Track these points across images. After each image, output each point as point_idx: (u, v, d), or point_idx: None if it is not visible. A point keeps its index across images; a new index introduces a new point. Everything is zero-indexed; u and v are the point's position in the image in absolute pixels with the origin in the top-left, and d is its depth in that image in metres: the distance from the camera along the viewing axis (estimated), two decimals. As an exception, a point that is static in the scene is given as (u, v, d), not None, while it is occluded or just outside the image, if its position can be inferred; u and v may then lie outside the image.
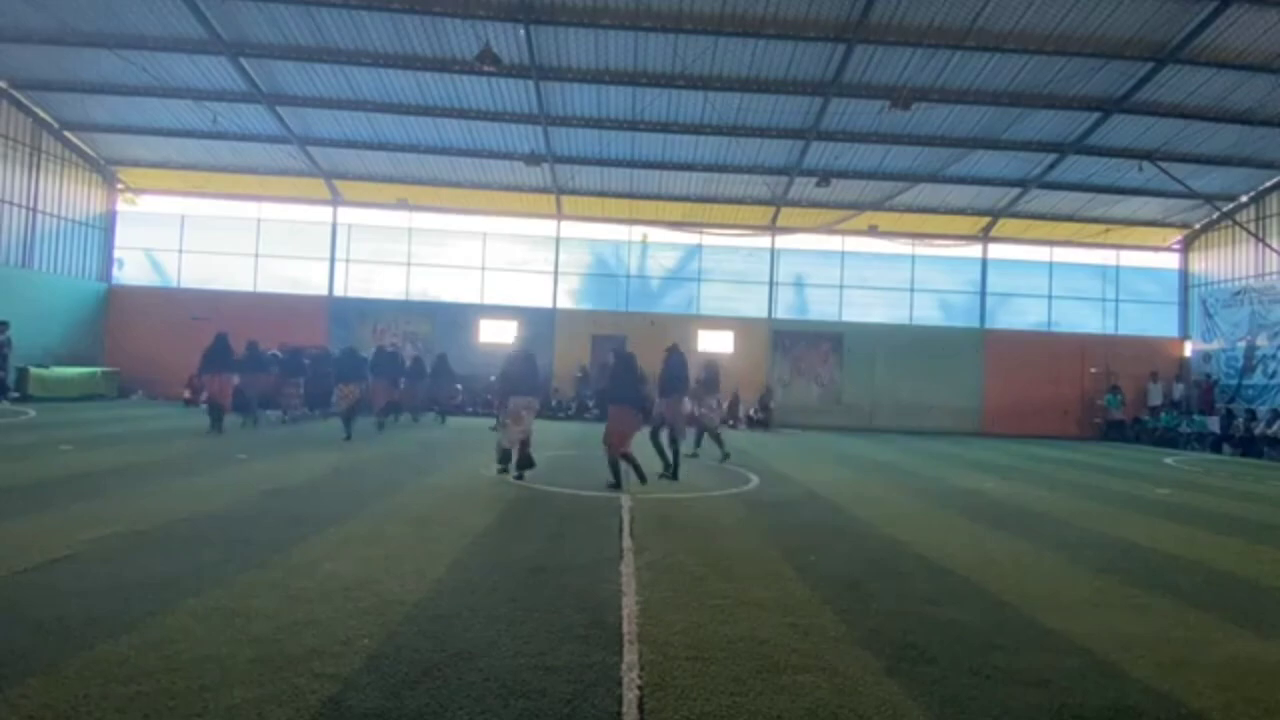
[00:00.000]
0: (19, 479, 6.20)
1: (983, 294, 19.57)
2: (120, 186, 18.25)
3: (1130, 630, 3.64)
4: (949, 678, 2.95)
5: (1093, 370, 19.01)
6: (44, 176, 16.27)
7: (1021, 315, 19.72)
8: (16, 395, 14.11)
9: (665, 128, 15.60)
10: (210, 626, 3.10)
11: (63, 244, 16.91)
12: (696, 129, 15.54)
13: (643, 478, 7.32)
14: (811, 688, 2.80)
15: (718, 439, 9.81)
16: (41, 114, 15.92)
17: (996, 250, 19.61)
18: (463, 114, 15.39)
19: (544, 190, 18.09)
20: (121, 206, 18.43)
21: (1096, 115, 14.56)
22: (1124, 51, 12.79)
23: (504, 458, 7.67)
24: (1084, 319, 19.66)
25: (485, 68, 12.69)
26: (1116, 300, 19.70)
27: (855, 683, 2.87)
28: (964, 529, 6.17)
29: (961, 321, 19.59)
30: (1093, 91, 13.94)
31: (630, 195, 18.28)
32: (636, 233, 19.15)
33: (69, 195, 17.03)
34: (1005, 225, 18.97)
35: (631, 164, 17.02)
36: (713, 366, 10.21)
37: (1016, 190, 17.53)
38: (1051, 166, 16.42)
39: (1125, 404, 18.49)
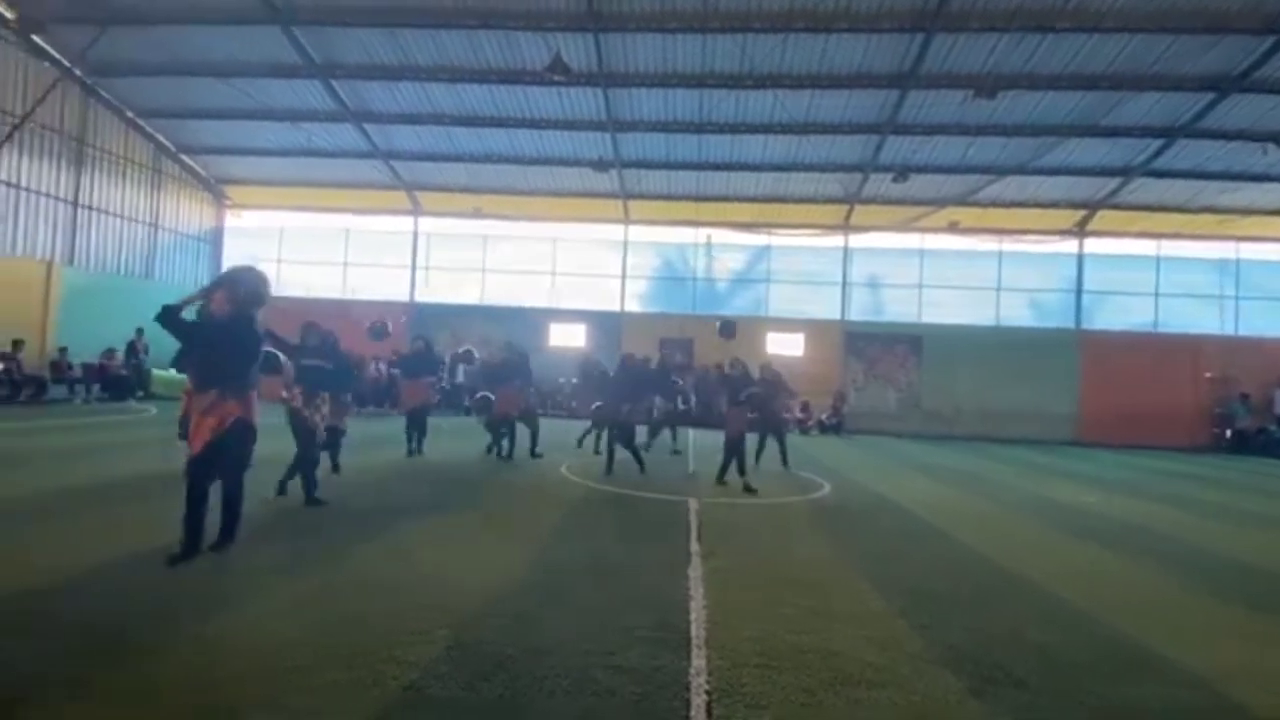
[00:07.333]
0: (138, 471, 6.83)
1: (1078, 292, 18.23)
2: (227, 202, 19.88)
3: (1253, 662, 3.28)
4: (1041, 704, 2.76)
5: (1208, 375, 17.33)
6: (163, 196, 17.97)
7: (1124, 315, 18.24)
8: (141, 394, 15.58)
9: (733, 129, 15.43)
10: (303, 611, 3.31)
11: (178, 257, 18.60)
12: (765, 128, 15.29)
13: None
14: (887, 704, 2.69)
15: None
16: (161, 139, 17.55)
17: (1094, 245, 18.24)
18: (534, 123, 15.80)
19: (612, 195, 18.30)
20: (229, 221, 20.07)
21: (1211, 95, 13.28)
22: (1241, 24, 11.61)
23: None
24: (1197, 318, 17.95)
25: (556, 77, 13.00)
26: (1236, 297, 17.88)
27: (935, 703, 2.72)
28: (1058, 545, 5.75)
29: (1055, 322, 18.33)
30: (1206, 70, 12.72)
31: (697, 198, 18.20)
32: (704, 235, 19.06)
33: (184, 212, 18.72)
34: (1104, 218, 17.61)
35: (699, 166, 16.94)
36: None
37: (1117, 180, 16.24)
38: (1158, 153, 15.11)
39: (1252, 412, 16.78)
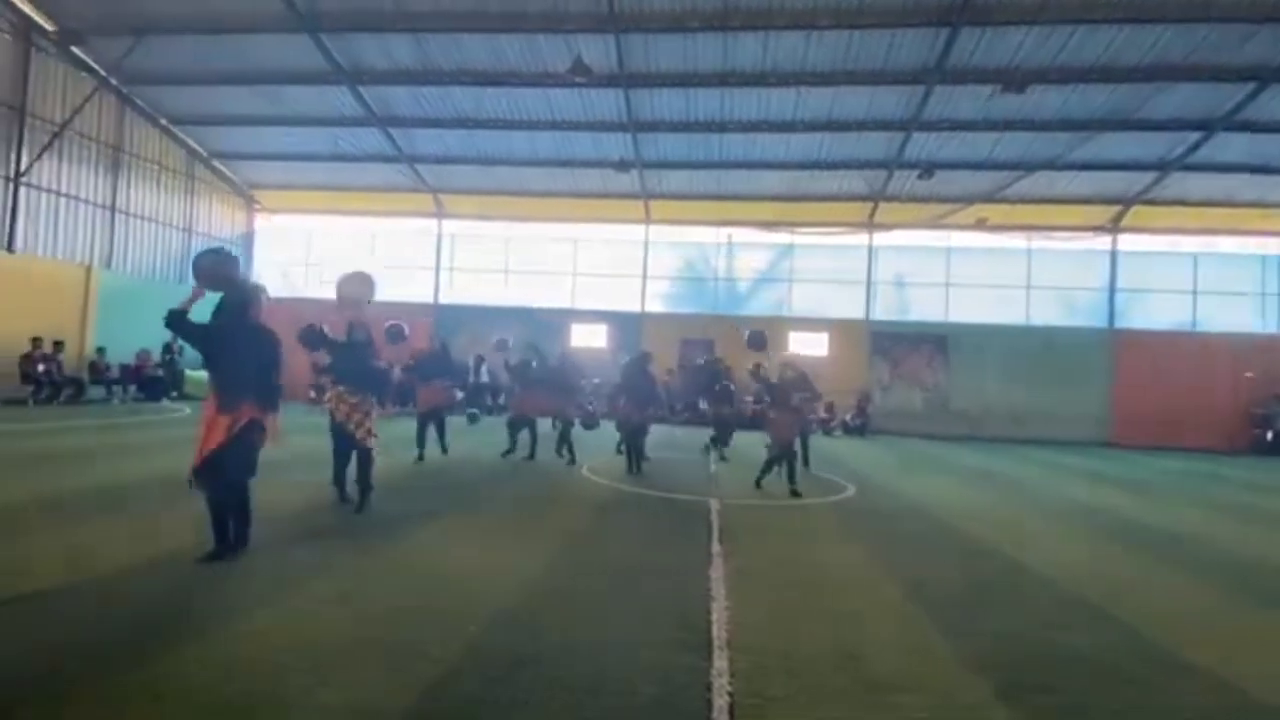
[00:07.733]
0: (172, 471, 6.99)
1: (1111, 290, 17.78)
2: (257, 207, 20.33)
3: (1300, 673, 3.16)
4: (1072, 709, 2.69)
5: (1248, 375, 16.76)
6: (197, 201, 18.44)
7: (1159, 313, 17.73)
8: (175, 395, 16.01)
9: (755, 127, 15.34)
10: (330, 610, 3.36)
11: (211, 260, 19.06)
12: (788, 127, 15.17)
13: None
14: (912, 708, 2.64)
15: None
16: (194, 145, 18.00)
17: (1128, 241, 17.77)
18: (555, 125, 15.88)
19: (633, 196, 18.31)
20: (259, 225, 20.53)
21: (1251, 85, 12.85)
22: (1286, 11, 11.24)
23: None
24: (1237, 317, 17.38)
25: (577, 79, 13.04)
26: (1278, 294, 17.27)
27: (962, 707, 2.66)
28: (1088, 548, 5.60)
29: (1087, 320, 17.90)
30: (1245, 60, 12.31)
31: (719, 197, 18.14)
32: (725, 235, 18.98)
33: (216, 217, 19.18)
34: (1139, 214, 17.15)
35: (721, 165, 16.88)
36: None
37: (1153, 174, 15.80)
38: (1195, 146, 14.66)
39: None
